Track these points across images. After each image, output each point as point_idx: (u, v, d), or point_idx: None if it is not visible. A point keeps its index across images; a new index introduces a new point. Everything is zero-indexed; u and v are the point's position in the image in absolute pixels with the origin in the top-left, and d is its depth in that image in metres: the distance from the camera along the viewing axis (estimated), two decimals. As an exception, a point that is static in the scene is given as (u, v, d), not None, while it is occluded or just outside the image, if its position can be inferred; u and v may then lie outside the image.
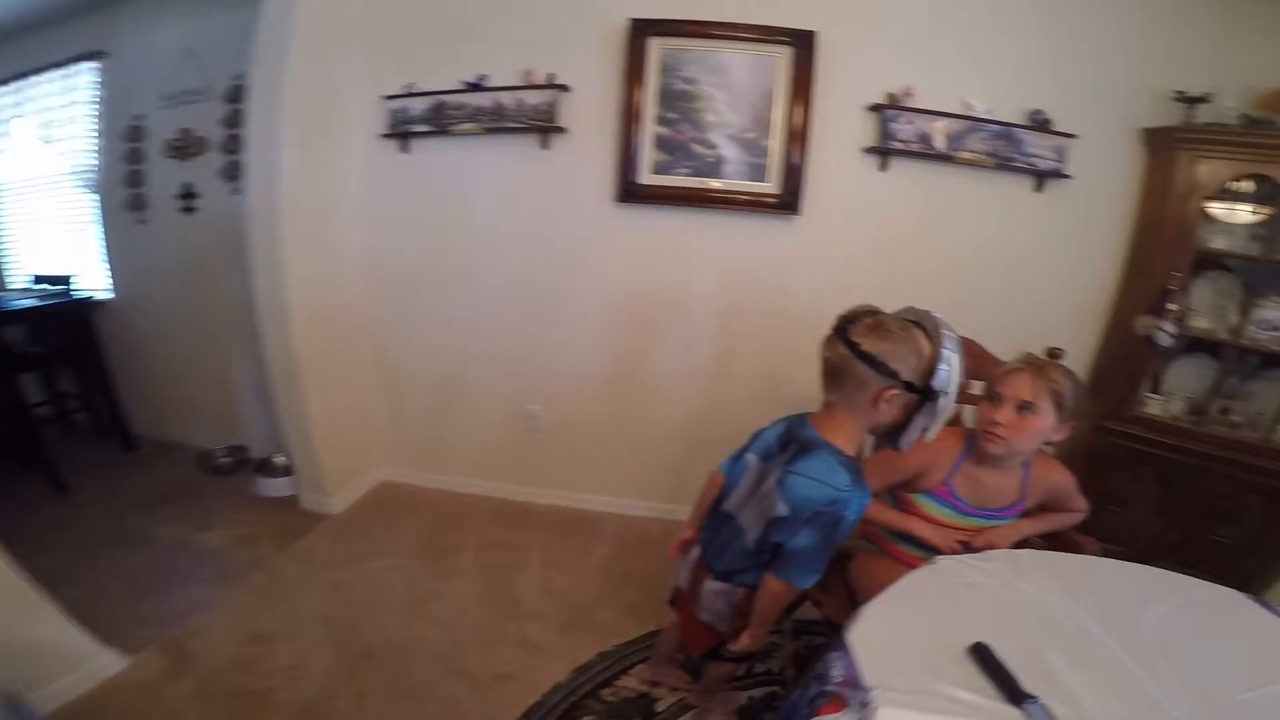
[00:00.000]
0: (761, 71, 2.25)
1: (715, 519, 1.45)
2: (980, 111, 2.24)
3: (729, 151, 2.31)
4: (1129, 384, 2.28)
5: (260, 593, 2.12)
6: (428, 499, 2.79)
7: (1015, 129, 2.24)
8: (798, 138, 2.26)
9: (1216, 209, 2.15)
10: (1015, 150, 2.26)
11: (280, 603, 2.08)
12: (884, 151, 2.27)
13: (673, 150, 2.33)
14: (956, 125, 2.24)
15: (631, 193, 2.38)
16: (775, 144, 2.28)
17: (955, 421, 1.82)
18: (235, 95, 2.65)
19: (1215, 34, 2.19)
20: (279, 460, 2.68)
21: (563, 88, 2.34)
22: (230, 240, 2.45)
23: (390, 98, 2.46)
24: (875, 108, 2.26)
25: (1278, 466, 2.10)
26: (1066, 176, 2.28)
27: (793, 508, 1.22)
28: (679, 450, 2.63)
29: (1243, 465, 2.14)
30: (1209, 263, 2.22)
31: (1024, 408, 1.42)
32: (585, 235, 2.48)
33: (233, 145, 2.69)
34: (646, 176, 2.37)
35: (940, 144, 2.25)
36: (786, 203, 2.33)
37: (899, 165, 2.30)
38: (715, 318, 2.51)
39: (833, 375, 1.23)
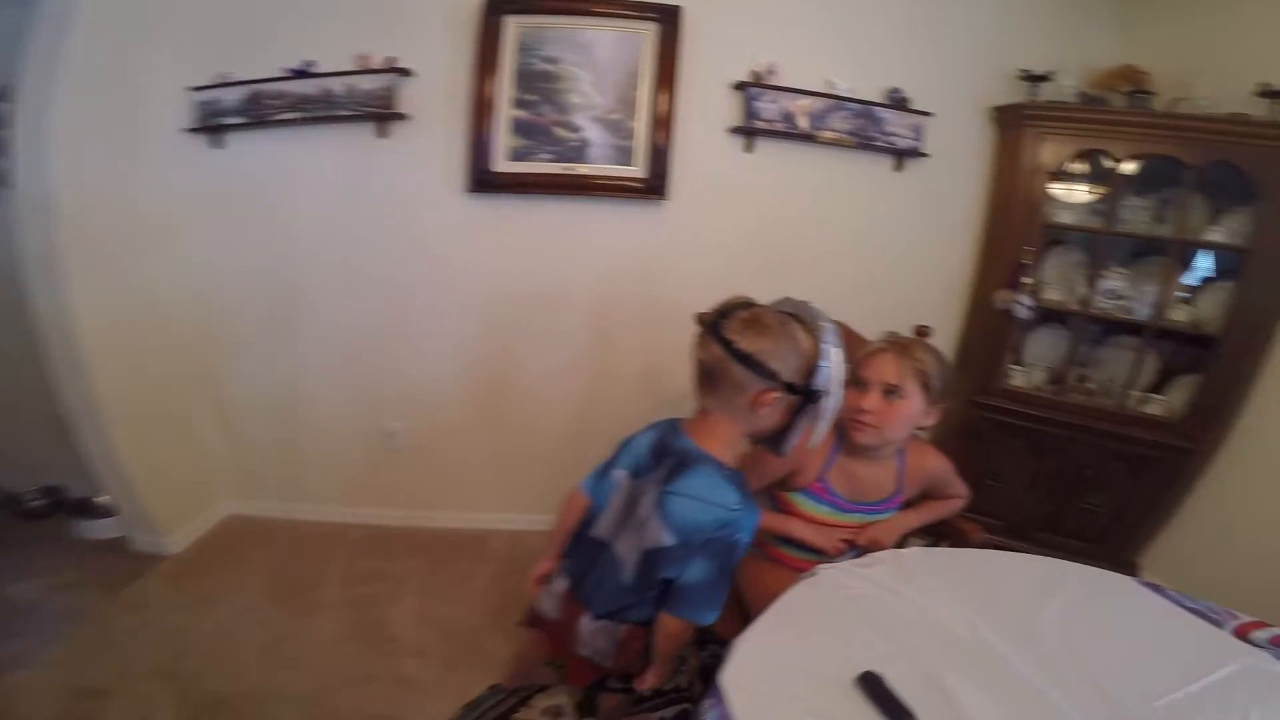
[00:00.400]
0: (627, 49, 2.13)
1: (584, 547, 1.27)
2: (842, 90, 2.22)
3: (594, 134, 2.18)
4: (993, 358, 2.35)
5: (87, 645, 1.83)
6: (284, 531, 2.50)
7: (875, 107, 2.24)
8: (663, 118, 2.15)
9: (1059, 187, 2.24)
10: (876, 129, 2.26)
11: (112, 654, 1.80)
12: (749, 131, 2.20)
13: (533, 134, 2.17)
14: (819, 104, 2.21)
15: (486, 181, 2.19)
16: (641, 125, 2.17)
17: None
18: (7, 95, 2.23)
19: (1056, 15, 2.27)
20: (102, 499, 2.32)
21: (404, 71, 2.11)
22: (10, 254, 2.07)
23: (198, 89, 2.12)
24: (740, 86, 2.19)
25: (1133, 433, 2.22)
26: (924, 155, 2.30)
27: (680, 535, 1.09)
28: (564, 455, 2.47)
29: (1101, 433, 2.25)
30: (1057, 237, 2.32)
31: (890, 392, 1.35)
32: (436, 230, 2.26)
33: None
34: (503, 164, 2.19)
35: (803, 123, 2.21)
36: (654, 187, 2.21)
37: (764, 146, 2.25)
38: (590, 311, 2.38)
39: (708, 378, 1.12)
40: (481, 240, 2.28)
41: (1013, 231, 2.25)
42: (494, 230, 2.27)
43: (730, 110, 2.22)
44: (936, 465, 1.50)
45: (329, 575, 2.25)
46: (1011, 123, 2.25)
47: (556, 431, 2.49)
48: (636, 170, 2.21)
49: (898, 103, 2.26)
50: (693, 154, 2.22)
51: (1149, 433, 2.20)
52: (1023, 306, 2.22)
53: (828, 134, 2.22)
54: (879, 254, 2.41)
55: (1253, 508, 2.11)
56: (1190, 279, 2.23)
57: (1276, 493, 2.05)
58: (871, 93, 2.25)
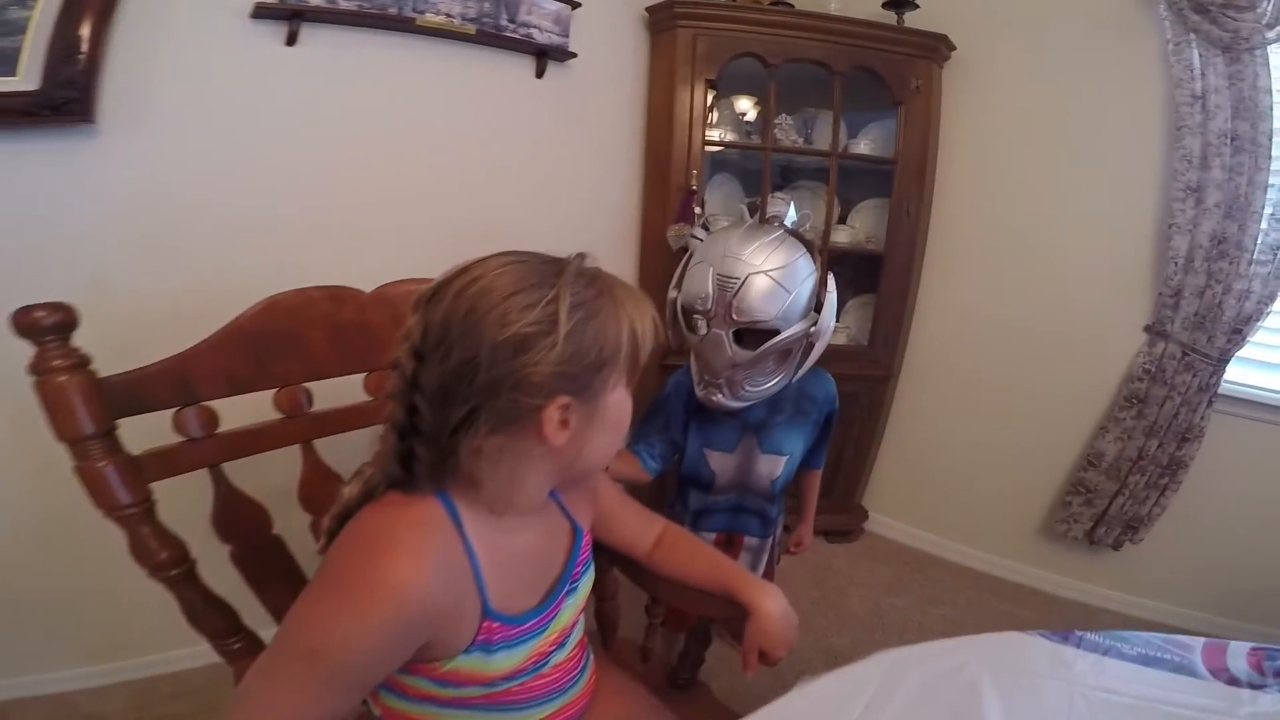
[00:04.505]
0: None
1: None
2: (445, -43, 1.43)
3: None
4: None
5: None
6: None
7: (499, -15, 1.51)
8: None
9: (717, 101, 1.89)
10: (506, 15, 1.54)
11: None
12: (291, 13, 1.26)
13: None
14: (412, -25, 1.39)
15: None
16: (38, 13, 1.06)
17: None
18: None
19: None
20: None
21: None
22: None
23: None
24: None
25: (829, 368, 1.99)
26: (571, 55, 1.67)
27: None
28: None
29: None
30: (718, 159, 1.98)
31: None
32: None
33: None
34: None
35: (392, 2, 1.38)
36: (62, 103, 1.09)
37: (322, 35, 1.32)
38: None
39: None
40: None
41: (675, 152, 1.79)
42: None
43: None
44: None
45: None
46: (665, 23, 1.80)
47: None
48: (20, 82, 1.06)
49: (529, -16, 1.56)
50: (173, 53, 1.20)
51: (844, 365, 1.95)
52: (699, 242, 1.81)
53: (435, 18, 1.42)
54: (523, 184, 1.71)
55: (943, 423, 2.10)
56: (845, 197, 2.02)
57: (959, 405, 2.05)
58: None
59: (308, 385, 0.81)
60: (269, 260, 1.17)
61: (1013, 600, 1.96)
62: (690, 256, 1.09)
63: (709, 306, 1.02)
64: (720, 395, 1.05)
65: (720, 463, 1.14)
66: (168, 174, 1.21)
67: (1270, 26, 1.46)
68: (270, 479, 0.82)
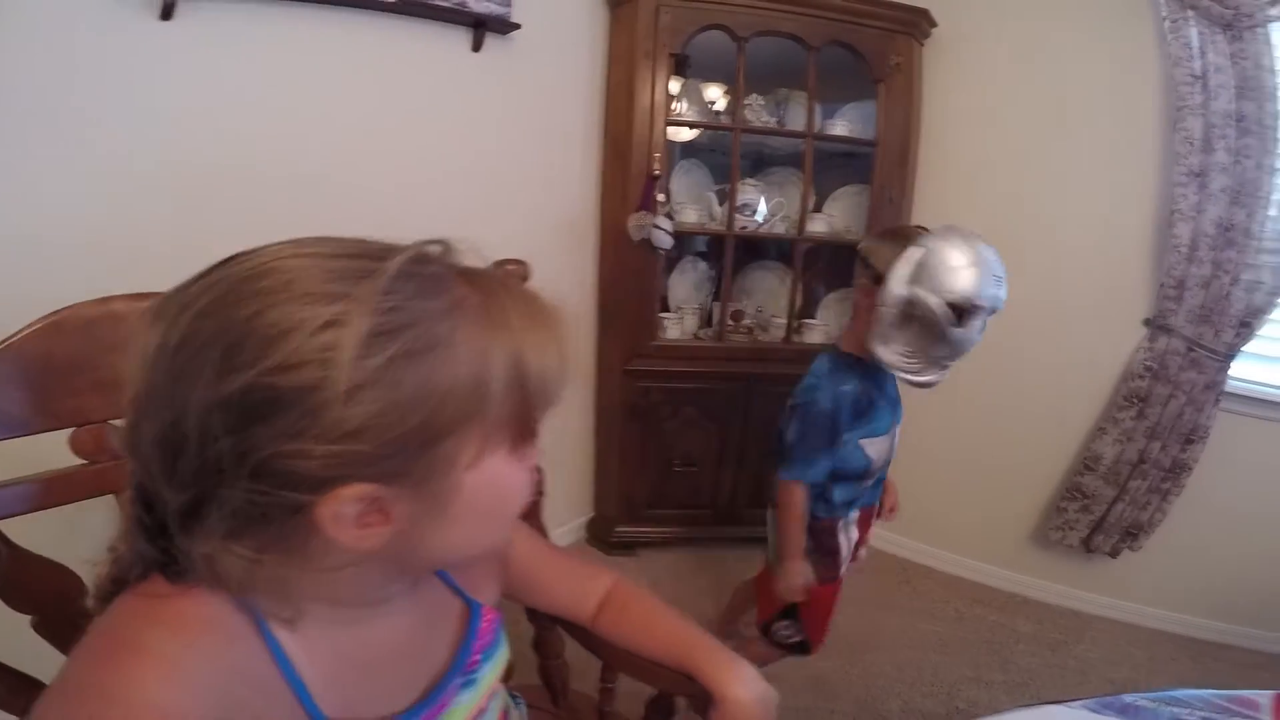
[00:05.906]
0: None
1: None
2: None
3: None
4: (644, 304, 1.75)
5: None
6: None
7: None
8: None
9: (685, 93, 1.73)
10: (434, -18, 1.35)
11: None
12: (166, -20, 1.05)
13: None
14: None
15: None
16: None
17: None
18: None
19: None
20: None
21: None
22: None
23: None
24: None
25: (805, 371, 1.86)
26: (514, 26, 1.48)
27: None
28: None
29: (775, 378, 1.78)
30: (684, 148, 1.85)
31: None
32: None
33: None
34: None
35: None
36: None
37: (202, 7, 1.10)
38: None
39: None
40: None
41: (637, 134, 1.63)
42: None
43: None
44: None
45: None
46: (624, -6, 1.63)
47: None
48: None
49: (461, -54, 1.37)
50: (6, 30, 0.95)
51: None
52: (663, 233, 1.64)
53: (343, -14, 1.23)
54: (460, 174, 1.52)
55: (928, 426, 1.91)
56: (820, 185, 1.88)
57: (945, 407, 1.88)
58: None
59: (119, 423, 0.61)
60: (142, 276, 0.97)
61: (1005, 611, 1.85)
62: (924, 256, 1.03)
63: (999, 305, 1.06)
64: (941, 374, 1.09)
65: (877, 448, 1.16)
66: (6, 179, 0.98)
67: (1273, 3, 1.36)
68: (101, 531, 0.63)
